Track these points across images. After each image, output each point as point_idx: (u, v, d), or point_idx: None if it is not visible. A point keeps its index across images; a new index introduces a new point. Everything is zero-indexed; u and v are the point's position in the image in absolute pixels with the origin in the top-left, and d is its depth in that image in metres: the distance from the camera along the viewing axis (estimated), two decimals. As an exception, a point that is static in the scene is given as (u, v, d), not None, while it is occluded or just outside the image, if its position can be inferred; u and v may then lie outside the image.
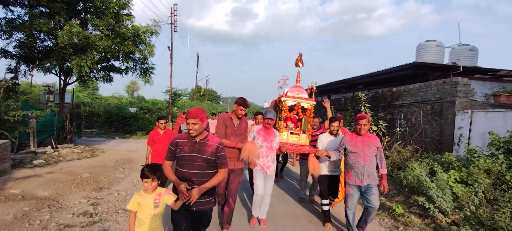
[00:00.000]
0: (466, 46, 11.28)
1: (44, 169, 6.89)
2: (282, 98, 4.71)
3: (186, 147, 2.60)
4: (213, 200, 2.80)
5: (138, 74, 11.50)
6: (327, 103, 5.34)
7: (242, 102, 3.85)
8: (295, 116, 5.02)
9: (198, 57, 32.74)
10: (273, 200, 5.06)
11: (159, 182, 2.55)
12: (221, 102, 53.16)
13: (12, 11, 8.73)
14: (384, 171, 3.79)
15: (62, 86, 10.23)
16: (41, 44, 8.54)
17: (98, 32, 9.22)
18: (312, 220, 4.67)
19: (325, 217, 4.44)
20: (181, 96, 40.78)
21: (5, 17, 8.43)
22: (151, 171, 2.44)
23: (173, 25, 17.89)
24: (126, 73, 11.67)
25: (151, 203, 2.45)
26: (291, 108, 4.88)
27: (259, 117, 4.82)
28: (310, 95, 4.87)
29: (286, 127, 4.91)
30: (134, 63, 11.09)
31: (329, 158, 3.92)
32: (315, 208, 5.27)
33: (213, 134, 3.11)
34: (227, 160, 2.83)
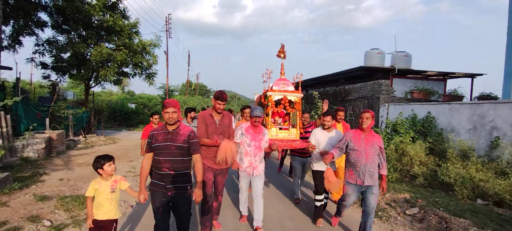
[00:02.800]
0: (402, 53, 14.51)
1: (87, 151, 9.78)
2: (268, 93, 4.48)
3: (160, 137, 2.74)
4: (189, 186, 2.88)
5: (144, 78, 14.37)
6: (325, 105, 5.16)
7: (219, 95, 3.48)
8: (283, 110, 4.80)
9: (189, 56, 35.47)
10: (266, 201, 4.77)
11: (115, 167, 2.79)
12: (211, 96, 55.53)
13: (58, 36, 11.57)
14: (384, 171, 3.57)
15: (86, 89, 13.08)
16: (75, 59, 11.29)
17: (115, 48, 12.06)
18: (306, 220, 4.45)
19: (316, 213, 4.24)
20: (174, 92, 43.42)
21: (48, 40, 11.22)
22: (105, 158, 2.70)
23: (167, 32, 20.64)
24: (133, 77, 14.52)
25: (108, 189, 2.71)
26: (277, 103, 4.63)
27: (247, 110, 4.71)
28: (296, 87, 4.66)
29: (274, 123, 4.65)
30: (141, 70, 13.94)
31: (333, 158, 3.57)
32: (310, 207, 4.94)
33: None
34: (200, 148, 2.97)
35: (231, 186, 6.05)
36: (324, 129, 4.17)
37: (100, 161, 2.67)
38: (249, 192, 4.14)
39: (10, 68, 8.14)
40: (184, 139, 2.77)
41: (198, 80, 46.85)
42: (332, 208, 4.73)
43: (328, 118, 4.09)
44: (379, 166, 3.56)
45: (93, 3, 10.95)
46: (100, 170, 2.68)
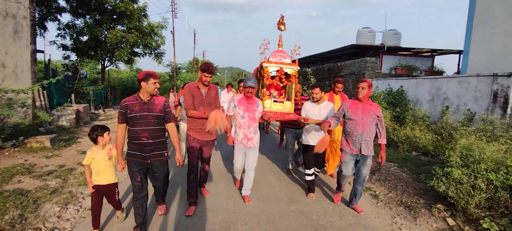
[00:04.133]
0: (392, 31, 15.45)
1: (107, 122, 11.36)
2: (264, 64, 4.47)
3: (136, 107, 2.77)
4: (166, 153, 3.01)
5: (153, 57, 15.76)
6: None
7: (206, 68, 3.47)
8: (279, 82, 4.78)
9: (194, 34, 36.44)
10: (261, 174, 5.04)
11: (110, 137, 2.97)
12: (218, 73, 56.79)
13: (75, 20, 12.96)
14: (383, 141, 3.53)
15: (102, 68, 14.61)
16: (93, 42, 12.72)
17: (126, 30, 13.41)
18: (298, 190, 4.44)
19: (309, 187, 4.24)
20: (181, 69, 44.85)
21: (67, 24, 12.65)
22: (103, 129, 2.91)
23: (173, 13, 21.75)
24: (143, 57, 15.94)
25: (105, 156, 2.90)
26: (274, 75, 4.62)
27: (243, 84, 4.71)
28: (294, 60, 4.66)
29: (269, 95, 4.69)
30: (150, 50, 15.32)
31: (330, 126, 3.57)
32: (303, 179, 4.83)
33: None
34: (174, 118, 3.13)
35: (225, 156, 6.28)
36: (313, 101, 4.10)
37: (98, 130, 2.89)
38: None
39: (43, 52, 9.63)
40: (160, 108, 2.88)
41: (204, 57, 47.96)
42: (332, 183, 4.77)
43: (317, 90, 4.00)
44: (377, 136, 3.56)
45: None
46: (99, 138, 2.88)
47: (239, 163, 3.95)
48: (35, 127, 7.55)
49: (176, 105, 5.95)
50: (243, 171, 4.32)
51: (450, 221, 3.43)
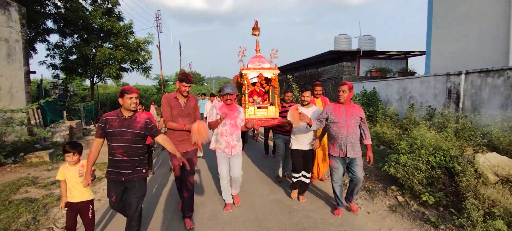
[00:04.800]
0: (367, 36, 16.48)
1: (99, 136, 11.82)
2: (243, 71, 4.41)
3: (115, 122, 2.69)
4: (144, 170, 2.87)
5: (140, 72, 16.27)
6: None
7: (184, 77, 3.40)
8: (261, 88, 4.72)
9: (180, 47, 37.02)
10: (249, 182, 4.94)
11: (80, 155, 2.87)
12: (205, 83, 57.31)
13: (63, 39, 13.42)
14: (368, 141, 3.60)
15: (91, 85, 15.02)
16: (82, 60, 13.16)
17: (114, 47, 13.92)
18: (288, 198, 4.34)
19: (293, 187, 4.22)
20: (168, 82, 45.33)
21: (56, 44, 13.10)
22: (71, 147, 2.78)
23: (158, 27, 22.34)
24: (131, 71, 16.43)
25: (76, 174, 2.81)
26: (255, 82, 4.57)
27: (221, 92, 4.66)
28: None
29: (252, 102, 4.61)
30: (138, 65, 15.83)
31: (310, 126, 3.58)
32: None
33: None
34: (160, 131, 3.00)
35: (214, 173, 5.69)
36: (303, 105, 4.06)
37: (66, 147, 2.80)
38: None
39: (35, 72, 10.04)
40: (141, 126, 2.77)
41: (190, 69, 48.46)
42: (321, 186, 4.80)
43: (307, 93, 3.98)
44: (361, 137, 3.61)
45: (91, 10, 12.74)
46: (66, 155, 2.79)
47: (224, 171, 3.84)
48: (32, 143, 7.96)
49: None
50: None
51: (400, 198, 4.14)
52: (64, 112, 11.34)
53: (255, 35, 4.70)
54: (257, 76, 4.50)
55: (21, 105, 8.03)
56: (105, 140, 2.82)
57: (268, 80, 4.57)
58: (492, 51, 7.38)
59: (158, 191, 4.94)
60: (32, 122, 8.86)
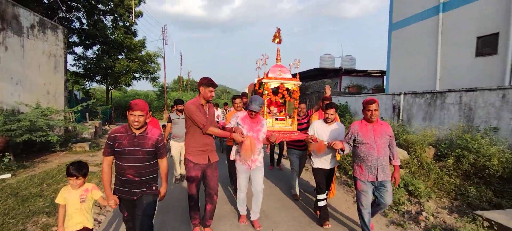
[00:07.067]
0: (348, 56, 18.95)
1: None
2: (264, 81, 4.13)
3: (125, 141, 2.50)
4: (154, 187, 2.70)
5: (149, 81, 18.53)
6: (328, 90, 4.90)
7: (211, 82, 3.21)
8: (280, 100, 4.47)
9: (181, 57, 39.36)
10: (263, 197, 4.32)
11: (85, 178, 2.51)
12: (203, 91, 58.77)
13: (86, 51, 15.71)
14: (397, 162, 3.27)
15: (107, 92, 17.25)
16: (103, 70, 15.39)
17: (130, 60, 16.19)
18: (310, 220, 4.05)
19: (322, 215, 3.81)
20: (167, 89, 47.84)
21: (80, 55, 15.39)
22: (76, 170, 2.41)
23: (164, 40, 24.74)
24: (140, 80, 18.65)
25: (77, 199, 2.45)
26: (275, 92, 4.30)
27: (237, 100, 4.46)
28: (294, 75, 4.35)
29: (269, 113, 4.37)
30: (148, 75, 18.08)
31: (343, 151, 3.31)
32: (309, 203, 4.70)
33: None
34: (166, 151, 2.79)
35: (226, 182, 5.65)
36: (326, 122, 3.76)
37: (70, 169, 2.42)
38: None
39: (69, 80, 12.24)
40: (152, 143, 2.59)
41: (189, 76, 50.82)
42: (334, 203, 4.64)
43: (332, 111, 3.69)
44: (390, 157, 3.26)
45: (112, 27, 15.09)
46: (70, 179, 2.43)
47: (243, 184, 3.65)
48: (69, 138, 10.11)
49: (166, 123, 6.00)
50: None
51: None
52: (87, 114, 13.50)
53: (278, 43, 4.42)
54: (278, 87, 4.21)
55: (60, 106, 10.20)
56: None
57: (288, 92, 4.28)
58: (429, 78, 9.79)
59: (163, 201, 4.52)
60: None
